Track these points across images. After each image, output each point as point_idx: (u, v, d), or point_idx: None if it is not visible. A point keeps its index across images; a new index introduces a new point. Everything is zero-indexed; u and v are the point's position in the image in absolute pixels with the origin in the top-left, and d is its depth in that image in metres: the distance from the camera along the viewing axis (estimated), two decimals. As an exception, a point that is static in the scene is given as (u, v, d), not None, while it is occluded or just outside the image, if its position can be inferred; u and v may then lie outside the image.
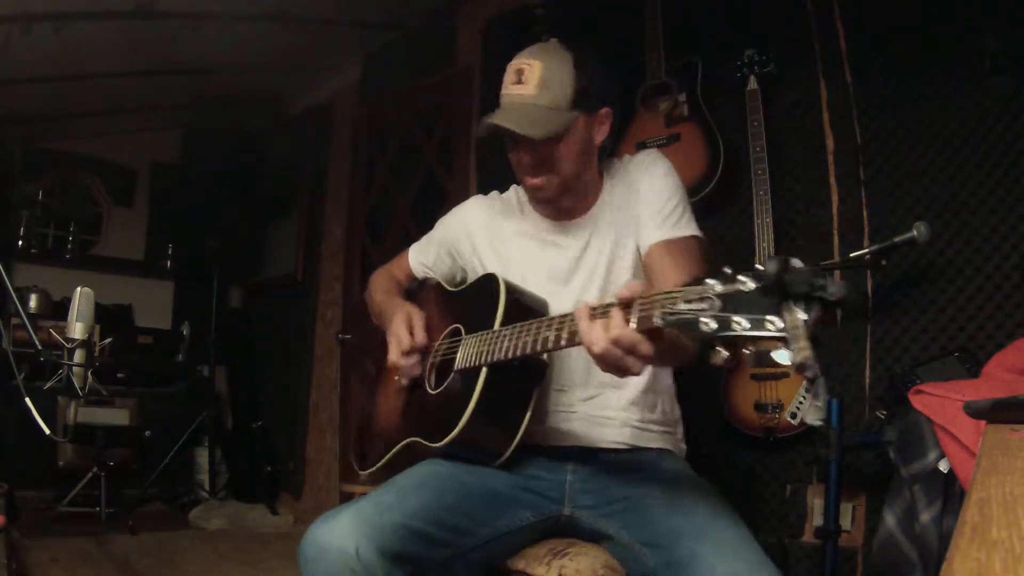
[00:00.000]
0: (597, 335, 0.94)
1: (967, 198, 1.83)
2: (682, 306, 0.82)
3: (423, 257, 1.62)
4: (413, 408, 1.39)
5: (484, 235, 1.50)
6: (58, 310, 3.94)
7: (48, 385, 1.61)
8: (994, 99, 1.80)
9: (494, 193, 1.59)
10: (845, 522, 1.90)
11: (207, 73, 3.93)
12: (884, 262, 1.79)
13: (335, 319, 3.96)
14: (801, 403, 1.94)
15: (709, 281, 0.80)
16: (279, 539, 3.36)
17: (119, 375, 3.95)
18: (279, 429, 4.20)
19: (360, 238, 3.90)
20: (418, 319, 1.41)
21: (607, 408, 1.33)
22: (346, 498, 3.47)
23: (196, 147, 4.29)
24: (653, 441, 1.35)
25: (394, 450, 1.39)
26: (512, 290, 1.29)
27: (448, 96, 3.41)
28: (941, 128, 1.89)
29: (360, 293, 3.78)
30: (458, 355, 1.29)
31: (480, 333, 1.24)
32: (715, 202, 2.17)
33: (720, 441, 2.13)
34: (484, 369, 1.19)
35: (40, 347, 1.54)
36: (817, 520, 1.94)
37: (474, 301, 1.36)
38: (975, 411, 1.08)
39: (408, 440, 1.35)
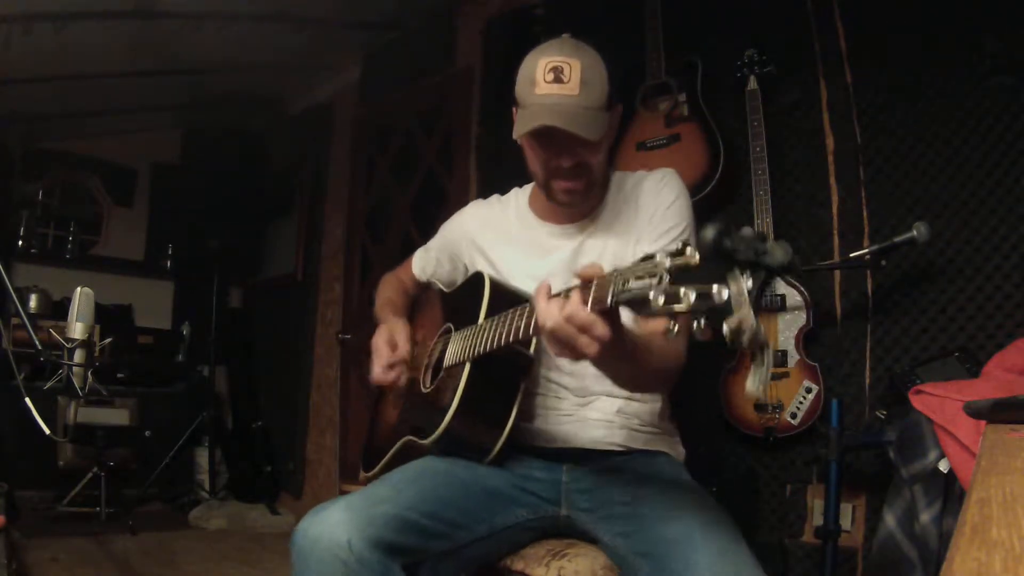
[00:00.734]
0: (551, 312, 0.92)
1: (967, 198, 1.83)
2: (633, 283, 0.81)
3: (425, 263, 1.63)
4: (408, 409, 1.39)
5: (481, 239, 1.50)
6: (58, 310, 3.94)
7: (48, 385, 1.61)
8: (994, 99, 1.80)
9: (494, 197, 1.58)
10: (845, 522, 1.90)
11: (207, 73, 3.92)
12: (884, 262, 1.79)
13: (335, 319, 3.96)
14: (801, 403, 1.94)
15: (658, 257, 0.79)
16: (279, 539, 3.36)
17: (119, 375, 3.96)
18: (279, 429, 4.20)
19: (360, 238, 3.90)
20: (401, 332, 1.42)
21: (602, 410, 1.33)
22: (346, 498, 3.48)
23: (196, 147, 4.29)
24: (648, 444, 1.35)
25: (391, 451, 1.39)
26: (496, 285, 1.30)
27: (448, 96, 3.41)
28: (941, 128, 1.89)
29: (360, 293, 3.81)
30: (446, 353, 1.30)
31: (465, 329, 1.26)
32: (715, 202, 2.17)
33: (720, 441, 2.13)
34: (467, 364, 1.20)
35: (40, 347, 1.54)
36: (817, 520, 1.94)
37: (463, 300, 1.37)
38: (975, 411, 1.08)
39: (404, 440, 1.36)
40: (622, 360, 1.01)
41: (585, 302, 0.90)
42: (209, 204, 4.06)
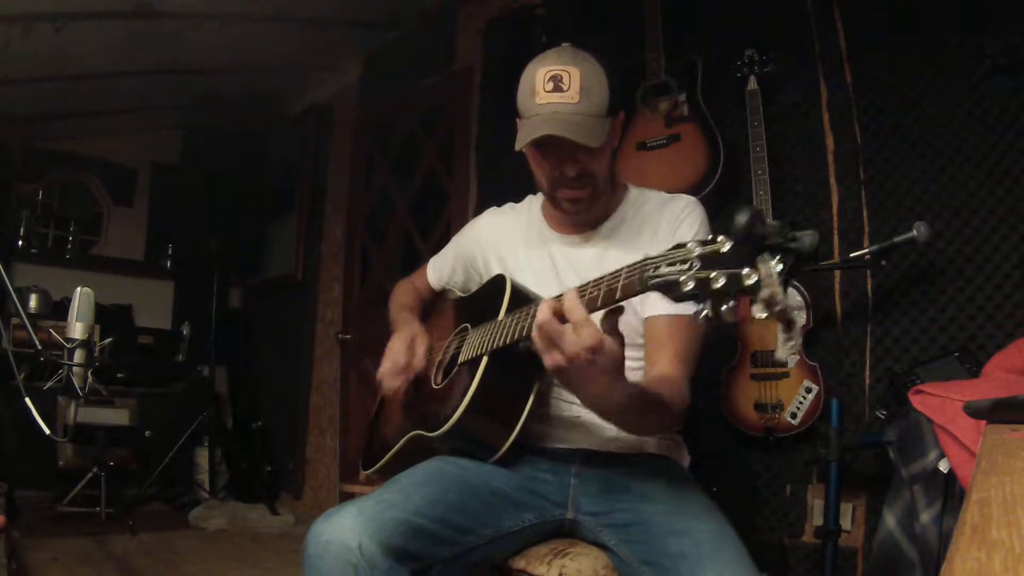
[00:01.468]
0: (545, 307, 0.98)
1: (967, 198, 1.83)
2: (664, 268, 0.84)
3: (439, 271, 1.64)
4: (416, 404, 1.39)
5: (496, 247, 1.50)
6: (58, 310, 3.94)
7: (48, 385, 1.61)
8: (994, 99, 1.80)
9: (508, 205, 1.59)
10: (845, 522, 1.90)
11: (207, 73, 3.93)
12: (884, 262, 1.79)
13: (335, 319, 3.96)
14: (801, 403, 1.94)
15: (689, 244, 0.82)
16: (279, 539, 3.36)
17: (119, 375, 3.95)
18: (279, 429, 4.20)
19: (360, 238, 3.90)
20: (421, 339, 1.41)
21: None
22: (346, 498, 3.48)
23: (196, 147, 4.30)
24: (657, 449, 1.35)
25: (397, 446, 1.39)
26: (516, 286, 1.30)
27: (448, 96, 3.41)
28: (941, 128, 1.89)
29: (360, 293, 3.81)
30: (463, 349, 1.30)
31: (484, 324, 1.26)
32: (715, 202, 2.16)
33: (720, 441, 2.13)
34: (485, 356, 1.20)
35: (40, 347, 1.54)
36: (817, 520, 1.94)
37: (481, 301, 1.38)
38: (975, 411, 1.08)
39: (410, 434, 1.35)
40: (614, 392, 1.02)
41: (582, 297, 0.94)
42: (209, 204, 4.07)
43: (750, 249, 0.76)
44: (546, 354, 0.99)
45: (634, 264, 0.91)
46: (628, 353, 1.02)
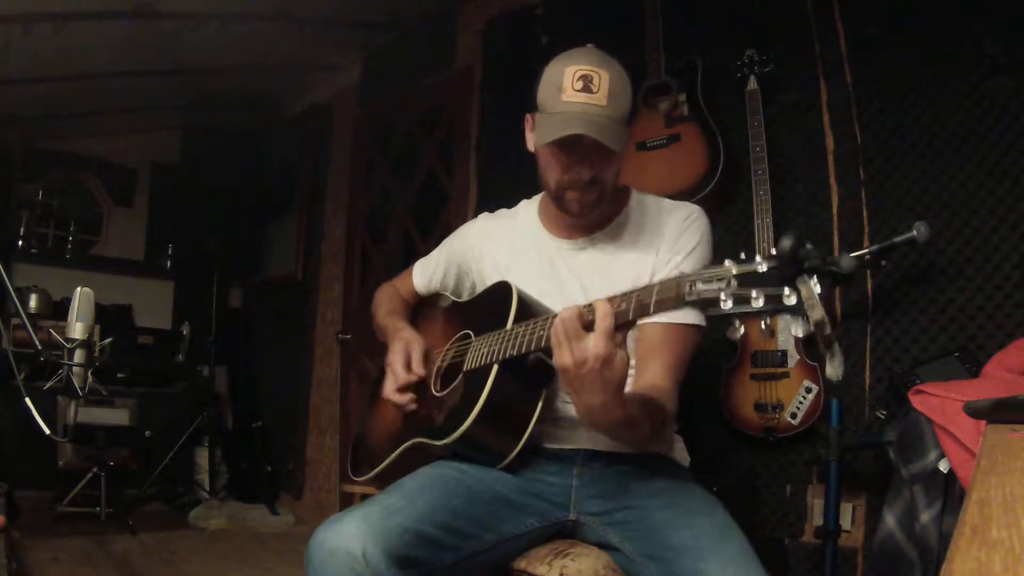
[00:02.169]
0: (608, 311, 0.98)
1: (967, 198, 1.83)
2: (701, 286, 0.86)
3: (427, 275, 1.62)
4: (417, 411, 1.37)
5: (490, 251, 1.49)
6: (58, 310, 3.95)
7: (48, 385, 1.61)
8: (994, 99, 1.80)
9: (501, 210, 1.57)
10: (845, 522, 1.90)
11: (207, 73, 3.93)
12: (884, 262, 1.79)
13: (335, 319, 3.96)
14: (801, 403, 1.94)
15: (727, 263, 0.85)
16: (279, 539, 3.36)
17: (119, 375, 3.95)
18: (279, 429, 4.20)
19: (360, 238, 3.90)
20: (417, 350, 1.39)
21: None
22: (346, 498, 3.48)
23: (196, 147, 4.29)
24: (656, 448, 1.35)
25: (396, 452, 1.38)
26: (523, 294, 1.29)
27: (448, 96, 3.41)
28: (941, 128, 1.89)
29: (360, 293, 3.81)
30: (467, 356, 1.28)
31: (491, 333, 1.24)
32: (715, 202, 2.16)
33: (720, 441, 2.13)
34: (495, 366, 1.19)
35: (40, 347, 1.54)
36: (817, 520, 1.94)
37: (485, 307, 1.36)
38: (975, 411, 1.08)
39: (412, 442, 1.34)
40: (611, 407, 1.02)
41: (613, 305, 0.97)
42: (209, 204, 4.06)
43: (789, 271, 0.80)
44: (558, 351, 0.99)
45: (668, 280, 0.91)
46: None
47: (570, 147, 1.24)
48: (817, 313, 0.78)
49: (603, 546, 1.26)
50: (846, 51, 2.08)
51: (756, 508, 2.10)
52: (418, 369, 1.37)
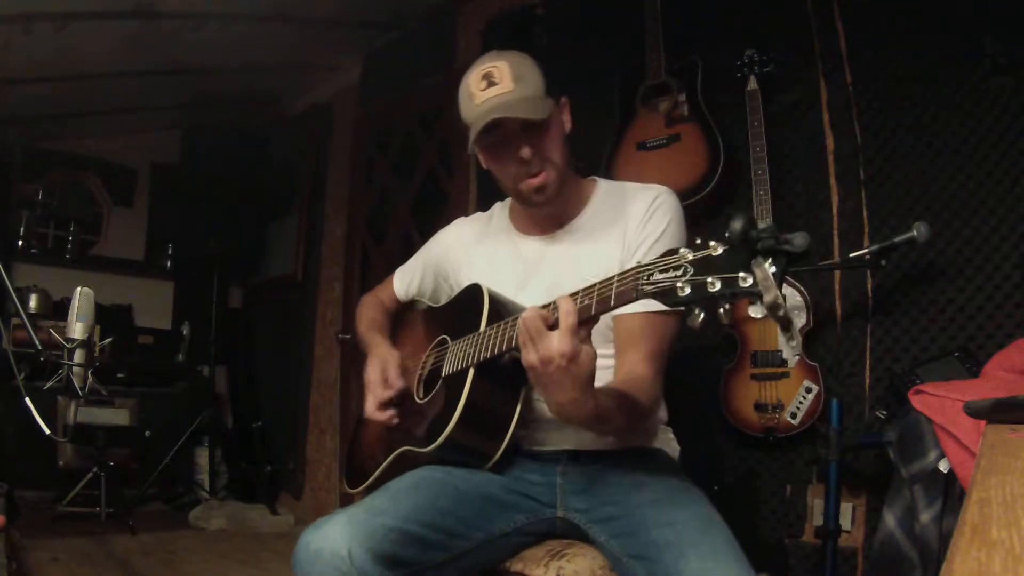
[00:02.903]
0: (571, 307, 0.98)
1: (967, 198, 1.83)
2: (657, 275, 0.86)
3: (407, 282, 1.63)
4: (401, 421, 1.38)
5: (465, 255, 1.50)
6: (58, 310, 3.95)
7: (48, 385, 1.61)
8: (994, 99, 1.80)
9: (476, 213, 1.60)
10: (845, 522, 1.90)
11: (207, 73, 3.92)
12: (884, 262, 1.79)
13: (335, 319, 3.96)
14: (801, 403, 1.94)
15: (682, 250, 0.85)
16: (279, 539, 3.36)
17: (119, 375, 3.96)
18: (279, 429, 4.20)
19: (360, 238, 3.90)
20: (393, 365, 1.40)
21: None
22: (346, 499, 3.48)
23: (196, 147, 4.30)
24: (640, 440, 1.35)
25: (385, 463, 1.38)
26: (494, 294, 1.30)
27: (448, 96, 3.35)
28: (941, 128, 1.89)
29: (360, 293, 3.80)
30: (445, 362, 1.29)
31: (466, 337, 1.25)
32: (715, 202, 2.17)
33: (720, 441, 2.13)
34: (471, 369, 1.20)
35: (40, 347, 1.54)
36: (817, 520, 1.94)
37: (458, 311, 1.36)
38: (975, 411, 1.08)
39: (398, 451, 1.35)
40: (581, 403, 1.03)
41: (575, 302, 0.97)
42: (209, 204, 4.06)
43: (744, 253, 0.79)
44: (524, 351, 1.01)
45: (626, 272, 0.92)
46: (600, 351, 1.03)
47: (499, 139, 1.29)
48: (771, 295, 0.77)
49: (592, 543, 1.26)
50: (846, 51, 2.08)
51: (756, 508, 2.10)
52: (396, 383, 1.37)
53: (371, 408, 1.37)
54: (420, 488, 1.21)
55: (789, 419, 1.95)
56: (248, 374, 4.69)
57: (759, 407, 1.99)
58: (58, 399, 2.77)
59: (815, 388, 1.93)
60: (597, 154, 2.37)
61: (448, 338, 1.35)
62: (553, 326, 0.98)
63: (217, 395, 4.48)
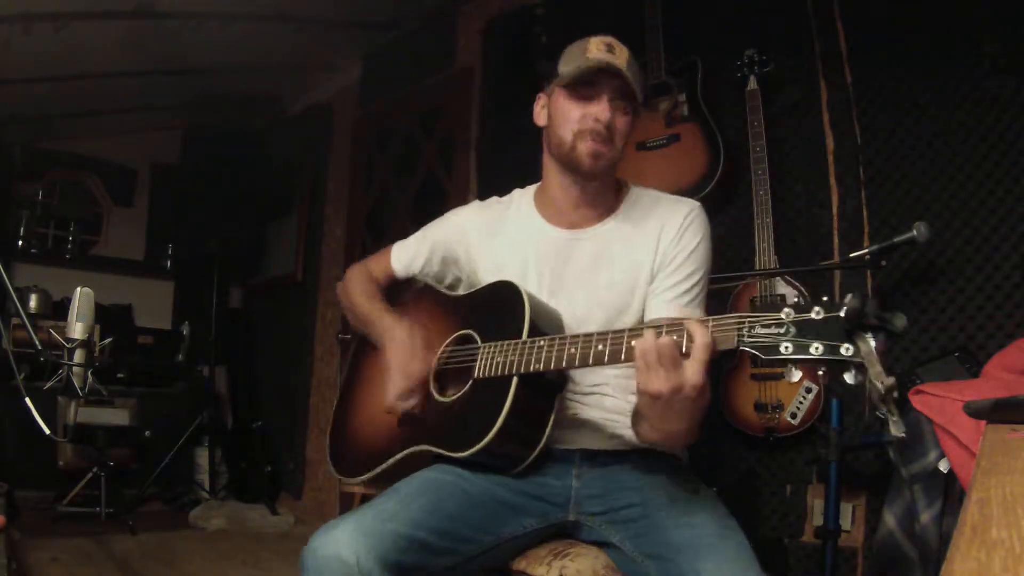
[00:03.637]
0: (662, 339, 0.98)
1: (967, 198, 1.83)
2: (760, 330, 0.92)
3: (407, 260, 1.53)
4: (421, 417, 1.33)
5: (484, 243, 1.45)
6: (58, 310, 3.94)
7: (48, 385, 1.60)
8: (994, 99, 1.80)
9: (493, 198, 1.53)
10: (845, 522, 1.90)
11: (207, 73, 3.93)
12: (884, 262, 1.79)
13: (335, 319, 3.96)
14: (801, 403, 1.94)
15: (786, 309, 0.91)
16: (279, 539, 3.36)
17: (119, 375, 3.95)
18: (279, 429, 4.20)
19: (360, 238, 3.90)
20: (418, 353, 1.32)
21: (609, 409, 1.33)
22: (346, 498, 3.48)
23: (196, 147, 4.29)
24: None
25: (395, 458, 1.34)
26: (535, 302, 1.26)
27: (448, 96, 3.41)
28: (941, 128, 1.89)
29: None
30: (478, 363, 1.24)
31: (505, 342, 1.21)
32: (715, 202, 2.16)
33: (720, 441, 2.13)
34: (515, 378, 1.17)
35: (40, 347, 1.54)
36: (817, 520, 1.94)
37: (489, 308, 1.32)
38: (975, 411, 1.08)
39: (415, 449, 1.30)
40: (689, 428, 1.07)
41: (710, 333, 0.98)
42: (209, 204, 4.06)
43: (849, 324, 0.86)
44: (650, 376, 0.99)
45: (725, 319, 0.95)
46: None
47: (588, 94, 1.30)
48: (875, 368, 0.83)
49: (602, 545, 1.25)
50: (846, 51, 2.08)
51: (756, 508, 2.10)
52: (419, 373, 1.30)
53: (393, 396, 1.30)
54: (429, 492, 1.19)
55: (789, 419, 1.95)
56: (248, 374, 4.69)
57: (759, 407, 1.99)
58: (58, 399, 2.76)
59: (815, 388, 1.93)
60: (597, 154, 2.37)
61: (475, 335, 1.29)
62: (683, 351, 0.98)
63: (217, 395, 4.48)
